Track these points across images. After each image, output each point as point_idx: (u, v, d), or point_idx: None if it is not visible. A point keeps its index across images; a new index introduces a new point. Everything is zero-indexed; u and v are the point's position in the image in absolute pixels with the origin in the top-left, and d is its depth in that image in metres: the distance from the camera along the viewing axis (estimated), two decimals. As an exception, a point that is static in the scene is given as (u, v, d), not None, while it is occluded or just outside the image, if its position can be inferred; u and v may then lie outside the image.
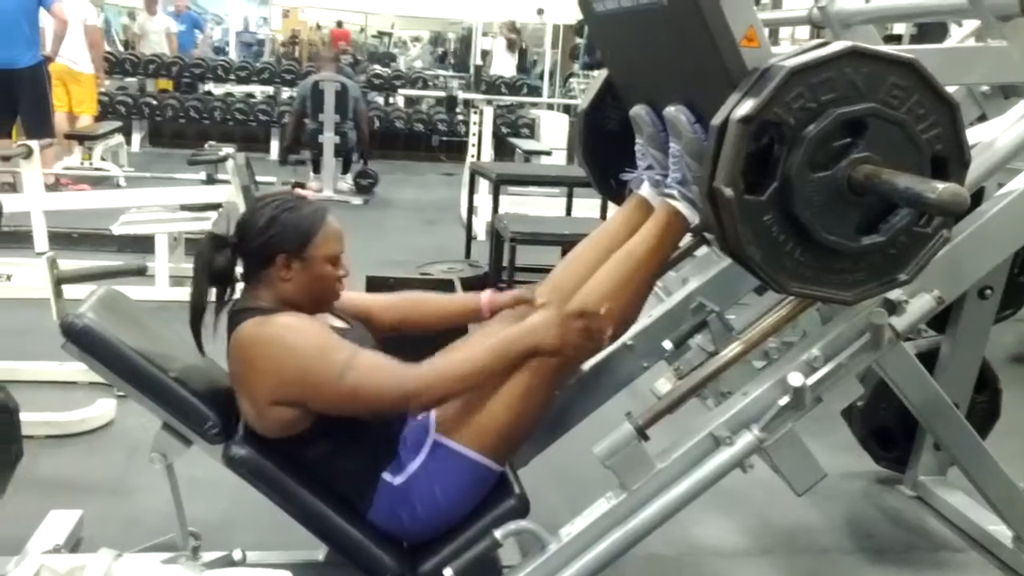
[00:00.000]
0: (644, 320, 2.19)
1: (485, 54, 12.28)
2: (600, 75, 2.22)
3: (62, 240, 4.70)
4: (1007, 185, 1.91)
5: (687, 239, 2.19)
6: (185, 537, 1.95)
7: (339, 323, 1.89)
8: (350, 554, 1.77)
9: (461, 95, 8.25)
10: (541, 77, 11.97)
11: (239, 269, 1.82)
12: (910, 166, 1.47)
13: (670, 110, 1.78)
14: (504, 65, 11.57)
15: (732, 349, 1.77)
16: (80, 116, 7.45)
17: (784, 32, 7.43)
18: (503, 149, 8.51)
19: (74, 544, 2.21)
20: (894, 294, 1.70)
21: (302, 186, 7.35)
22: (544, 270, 2.16)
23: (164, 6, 11.10)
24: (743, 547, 2.56)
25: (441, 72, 12.71)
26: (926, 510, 2.75)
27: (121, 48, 11.63)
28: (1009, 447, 2.46)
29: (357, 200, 7.44)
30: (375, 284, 3.33)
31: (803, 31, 6.47)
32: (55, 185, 6.56)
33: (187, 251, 4.52)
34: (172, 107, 9.44)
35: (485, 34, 13.09)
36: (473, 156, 6.99)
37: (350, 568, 1.80)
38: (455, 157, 9.26)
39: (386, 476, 1.76)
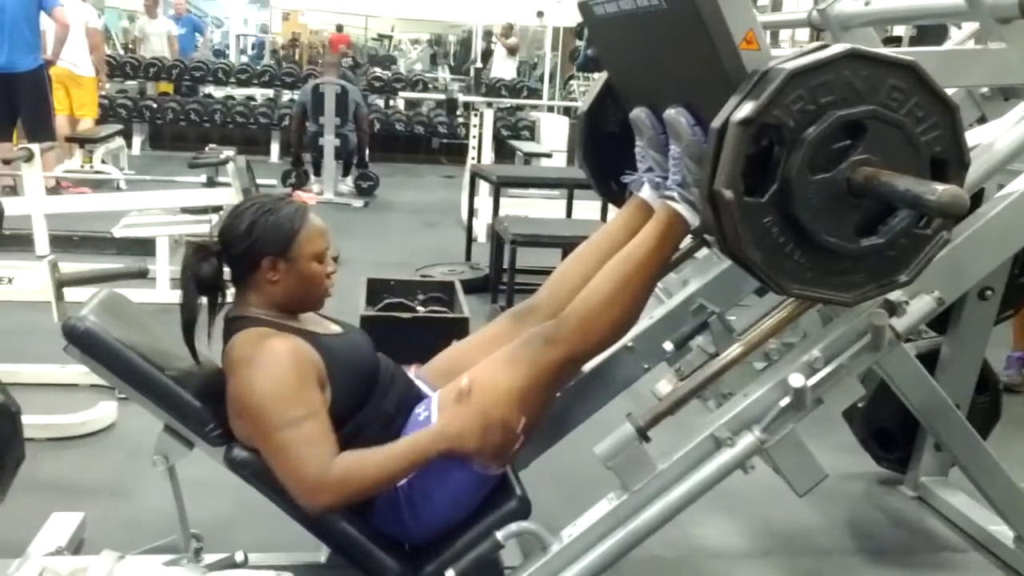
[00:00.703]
0: (645, 322, 2.20)
1: (486, 56, 12.29)
2: (600, 78, 2.22)
3: (63, 243, 4.71)
4: (1007, 187, 1.92)
5: (687, 241, 2.20)
6: (187, 539, 1.95)
7: (335, 327, 1.89)
8: (352, 556, 1.77)
9: (461, 97, 8.26)
10: (541, 80, 11.98)
11: (228, 275, 1.82)
12: (909, 168, 1.47)
13: (670, 112, 1.78)
14: (504, 68, 11.59)
15: (733, 350, 1.77)
16: (81, 119, 7.46)
17: (784, 35, 7.44)
18: (503, 151, 8.52)
19: (76, 546, 2.22)
20: (894, 295, 1.70)
21: (300, 187, 7.37)
22: (544, 272, 2.16)
23: (164, 9, 11.12)
24: (744, 548, 2.56)
25: (430, 75, 12.66)
26: (927, 511, 2.75)
27: (121, 51, 11.64)
28: (1010, 448, 2.46)
29: (358, 202, 7.45)
30: (375, 286, 3.34)
31: (803, 33, 6.49)
32: (56, 188, 6.57)
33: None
34: (172, 110, 9.45)
35: (486, 36, 13.10)
36: (473, 158, 7.00)
37: (352, 570, 1.80)
38: (455, 159, 9.28)
39: (387, 478, 1.76)
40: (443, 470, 1.74)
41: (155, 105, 9.50)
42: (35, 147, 4.31)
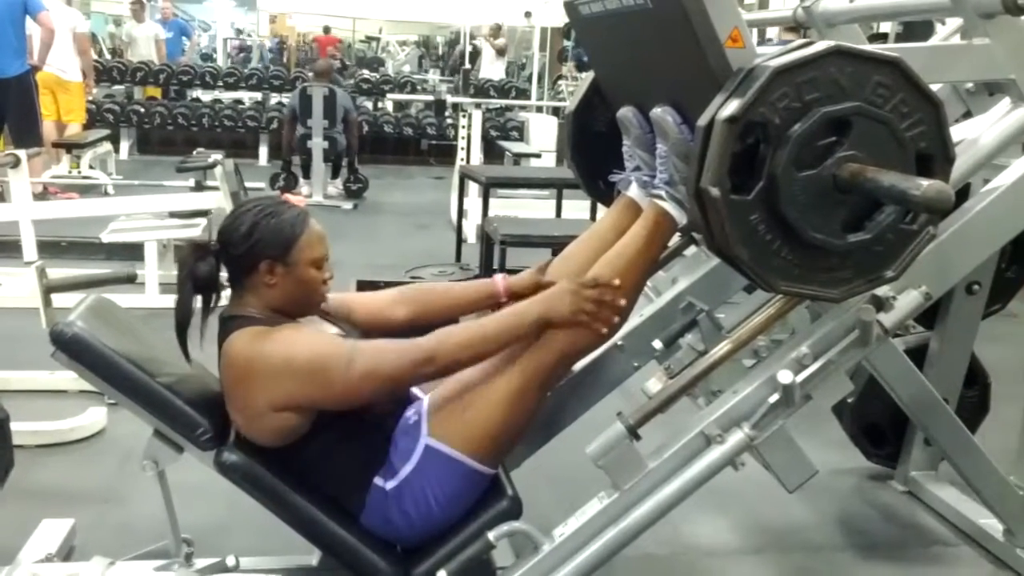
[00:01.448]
0: (634, 320, 2.20)
1: (474, 57, 12.28)
2: (587, 77, 2.23)
3: (51, 249, 4.69)
4: (992, 181, 1.93)
5: (676, 239, 2.20)
6: (178, 544, 1.94)
7: (333, 329, 1.89)
8: (344, 558, 1.77)
9: (449, 99, 8.26)
10: (530, 80, 11.98)
11: (224, 275, 1.82)
12: (895, 164, 1.48)
13: (656, 111, 1.78)
14: (492, 68, 11.59)
15: (722, 348, 1.78)
16: (69, 124, 7.43)
17: (771, 32, 7.46)
18: (492, 152, 8.51)
19: (67, 553, 2.21)
20: (882, 291, 1.71)
21: (285, 191, 7.35)
22: (534, 272, 2.15)
23: (151, 13, 11.08)
24: (736, 545, 2.57)
25: (418, 77, 12.66)
26: (918, 505, 2.77)
27: (108, 56, 11.60)
28: (999, 441, 2.47)
29: (347, 205, 7.44)
30: (365, 288, 3.33)
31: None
32: (43, 194, 6.55)
33: (176, 258, 4.51)
34: (160, 114, 9.42)
35: (474, 38, 13.10)
36: (462, 159, 6.99)
37: (344, 572, 1.80)
38: (444, 161, 9.27)
39: (378, 481, 1.76)
40: (435, 474, 1.74)
41: (143, 109, 9.46)
42: (22, 153, 4.28)
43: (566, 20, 2.27)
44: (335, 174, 7.75)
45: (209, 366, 1.85)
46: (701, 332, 2.00)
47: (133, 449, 1.93)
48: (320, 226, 1.81)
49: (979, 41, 1.93)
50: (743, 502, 2.67)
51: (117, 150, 8.65)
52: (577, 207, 5.60)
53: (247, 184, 4.77)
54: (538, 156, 7.61)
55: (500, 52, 11.84)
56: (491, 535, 1.67)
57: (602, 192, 2.17)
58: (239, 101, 10.53)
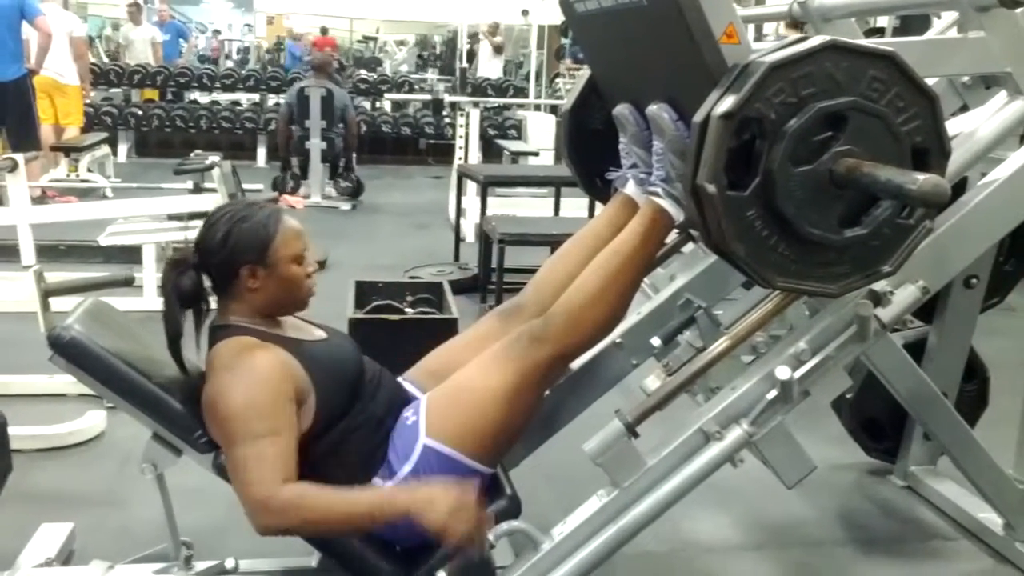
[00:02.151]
0: (632, 317, 2.20)
1: (471, 56, 12.28)
2: (583, 74, 2.23)
3: (49, 252, 4.68)
4: (989, 174, 1.93)
5: (673, 236, 2.20)
6: (177, 547, 1.94)
7: (319, 332, 1.88)
8: (343, 560, 1.77)
9: (447, 98, 8.25)
10: (527, 78, 11.98)
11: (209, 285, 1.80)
12: (891, 158, 1.48)
13: (652, 108, 1.78)
14: (490, 67, 11.58)
15: (720, 344, 1.78)
16: (67, 128, 7.43)
17: (768, 28, 7.46)
18: (490, 151, 8.51)
19: (66, 557, 2.21)
20: (879, 285, 1.71)
21: (293, 192, 7.34)
22: (533, 271, 2.16)
23: (148, 16, 11.08)
24: (735, 541, 2.57)
25: (416, 76, 12.67)
26: (917, 500, 2.76)
27: (105, 59, 11.59)
28: (998, 436, 2.47)
29: (345, 205, 7.43)
30: (364, 289, 3.33)
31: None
32: (41, 198, 6.54)
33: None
34: (158, 117, 9.41)
35: (471, 36, 13.09)
36: (461, 158, 6.99)
37: (343, 574, 1.80)
38: (443, 160, 9.26)
39: (377, 481, 1.76)
40: (432, 469, 1.74)
41: (140, 112, 9.46)
42: (19, 157, 4.28)
43: (563, 18, 2.27)
44: (333, 174, 7.74)
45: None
46: (699, 329, 2.00)
47: (132, 452, 1.93)
48: (295, 221, 1.80)
49: (975, 34, 1.92)
50: (742, 498, 2.66)
51: (115, 153, 8.64)
52: (575, 205, 5.59)
53: (245, 186, 4.76)
54: (536, 154, 7.60)
55: (497, 50, 11.83)
56: (490, 534, 1.66)
57: (599, 189, 2.17)
58: (237, 102, 10.53)
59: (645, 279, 2.16)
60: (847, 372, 1.81)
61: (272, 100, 10.10)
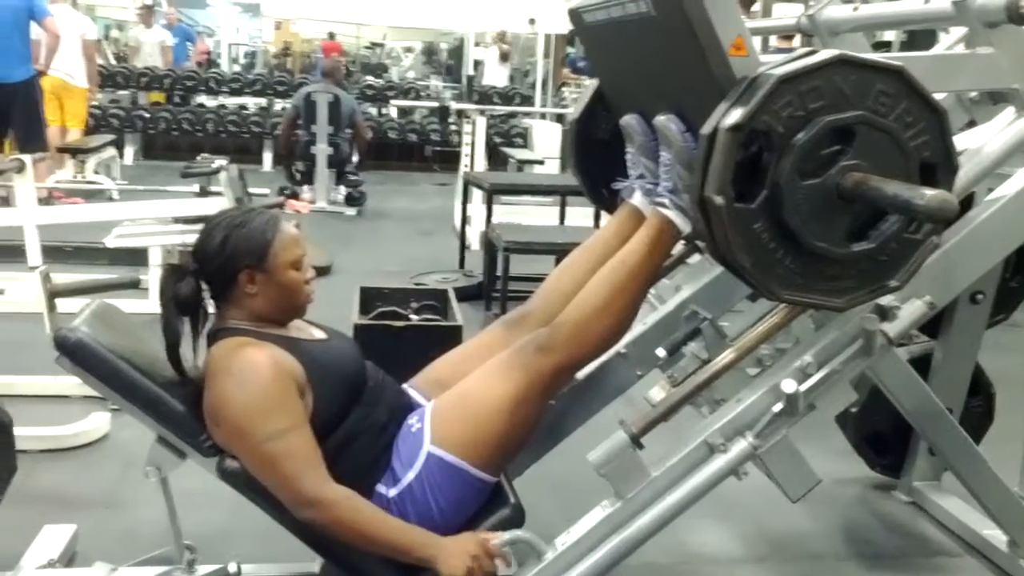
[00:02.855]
0: (638, 328, 2.20)
1: (477, 64, 12.30)
2: (590, 85, 2.23)
3: (55, 254, 4.68)
4: (996, 190, 1.92)
5: (680, 247, 2.20)
6: (180, 550, 1.95)
7: (320, 333, 1.89)
8: (345, 565, 1.77)
9: (453, 105, 8.26)
10: (534, 87, 12.00)
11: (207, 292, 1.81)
12: (899, 173, 1.48)
13: (660, 119, 1.78)
14: (496, 75, 11.60)
15: (725, 356, 1.78)
16: (69, 130, 7.44)
17: (774, 41, 7.46)
18: (496, 159, 8.53)
19: (69, 559, 2.21)
20: (885, 300, 1.71)
21: (295, 197, 7.35)
22: (538, 279, 2.16)
23: (157, 19, 11.12)
24: (739, 554, 2.56)
25: (422, 83, 12.67)
26: (921, 515, 2.76)
27: (113, 61, 11.64)
28: (1003, 452, 2.47)
29: (351, 211, 7.44)
30: (369, 295, 3.33)
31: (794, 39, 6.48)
32: (48, 199, 6.56)
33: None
34: (165, 119, 9.45)
35: (477, 44, 13.12)
36: (466, 166, 7.00)
37: (345, 580, 1.80)
38: (448, 167, 9.26)
39: (380, 488, 1.76)
40: (438, 481, 1.74)
41: (147, 115, 9.50)
42: (27, 158, 4.29)
43: (570, 27, 2.27)
44: (339, 180, 7.74)
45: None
46: (705, 340, 2.00)
47: (136, 455, 1.93)
48: (293, 227, 1.81)
49: (983, 50, 1.93)
50: (746, 511, 2.66)
51: (122, 155, 8.67)
52: (581, 214, 5.59)
53: (251, 190, 4.78)
54: (542, 163, 7.62)
55: (504, 57, 11.86)
56: (493, 543, 1.66)
57: (606, 200, 2.17)
58: (243, 107, 10.57)
59: (651, 290, 2.16)
60: (852, 386, 1.80)
61: (279, 105, 10.13)
